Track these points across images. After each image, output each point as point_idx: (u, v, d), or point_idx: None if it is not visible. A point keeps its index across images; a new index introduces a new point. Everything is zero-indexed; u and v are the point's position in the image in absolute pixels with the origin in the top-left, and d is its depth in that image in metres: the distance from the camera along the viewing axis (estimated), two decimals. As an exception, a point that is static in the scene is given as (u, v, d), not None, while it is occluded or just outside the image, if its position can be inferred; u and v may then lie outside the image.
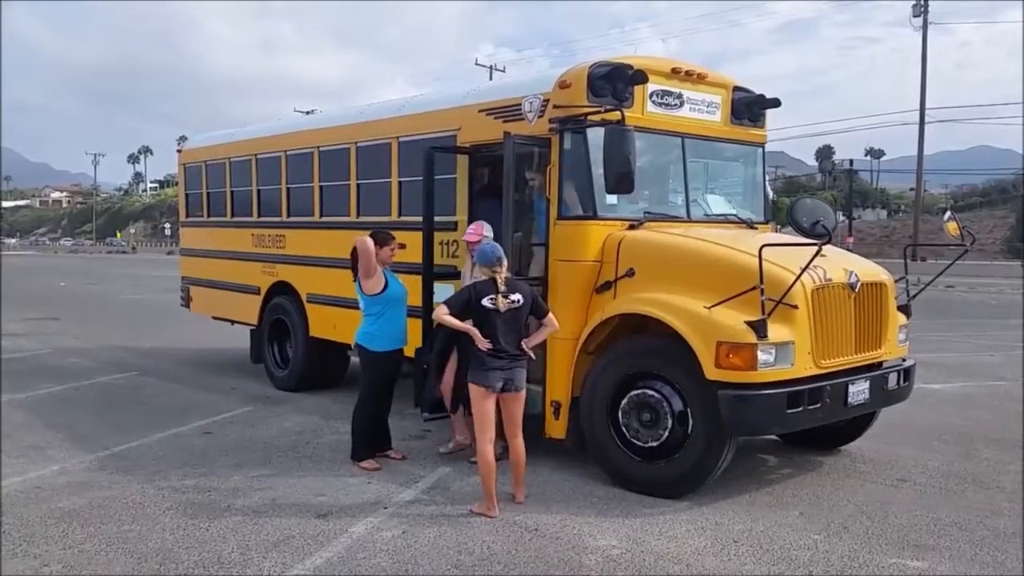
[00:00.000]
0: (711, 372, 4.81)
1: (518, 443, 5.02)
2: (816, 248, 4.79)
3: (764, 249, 4.78)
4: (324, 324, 7.98)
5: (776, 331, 4.81)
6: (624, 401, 5.29)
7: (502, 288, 4.80)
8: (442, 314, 4.84)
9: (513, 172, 5.61)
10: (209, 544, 4.35)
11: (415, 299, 6.16)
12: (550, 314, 5.06)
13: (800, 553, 4.35)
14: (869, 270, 5.58)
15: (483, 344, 4.76)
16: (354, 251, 5.75)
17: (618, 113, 5.27)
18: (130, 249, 77.08)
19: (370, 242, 5.70)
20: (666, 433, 5.12)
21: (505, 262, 4.90)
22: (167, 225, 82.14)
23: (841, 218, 43.79)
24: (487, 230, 5.69)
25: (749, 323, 4.75)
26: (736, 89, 6.46)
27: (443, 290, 6.16)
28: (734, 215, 6.47)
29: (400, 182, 7.13)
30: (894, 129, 50.65)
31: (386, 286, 5.78)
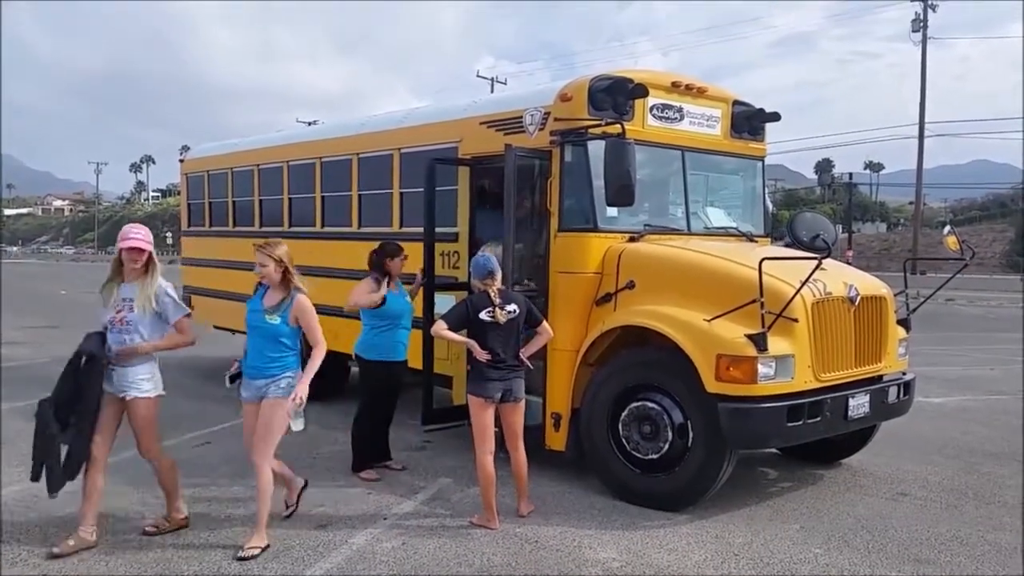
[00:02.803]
0: (711, 385, 4.82)
1: (519, 455, 5.03)
2: (816, 261, 4.81)
3: (764, 262, 4.80)
4: (325, 334, 7.95)
5: (776, 344, 4.81)
6: (624, 413, 5.29)
7: (497, 300, 4.81)
8: (440, 329, 4.84)
9: (514, 184, 5.64)
10: (208, 554, 4.35)
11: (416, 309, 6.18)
12: (544, 322, 5.08)
13: (800, 567, 4.34)
14: (869, 284, 5.59)
15: (482, 356, 4.77)
16: (371, 258, 5.91)
17: (619, 126, 5.30)
18: None
19: (361, 291, 5.79)
20: (666, 446, 5.12)
21: (498, 275, 4.91)
22: (168, 234, 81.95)
23: (841, 232, 43.86)
24: (150, 234, 4.61)
25: (749, 336, 4.76)
26: (736, 103, 6.50)
27: (444, 301, 6.17)
28: (734, 228, 6.49)
29: (401, 193, 7.17)
30: (893, 143, 50.93)
31: (383, 300, 5.80)
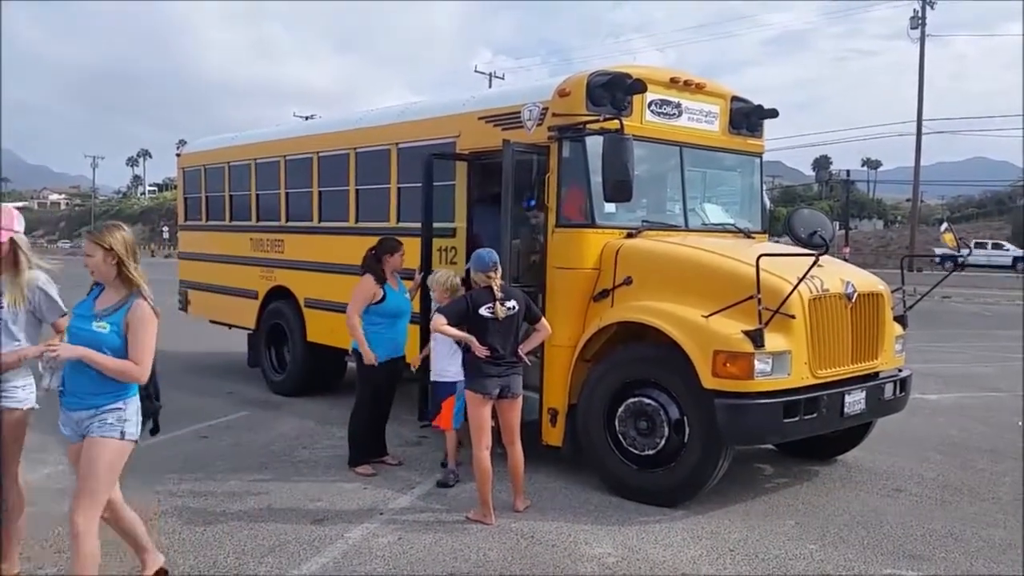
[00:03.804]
0: (708, 381, 4.82)
1: (516, 450, 5.03)
2: (813, 258, 4.81)
3: (761, 259, 4.80)
4: (321, 329, 7.98)
5: (773, 340, 4.82)
6: (621, 409, 5.29)
7: (499, 295, 4.81)
8: (440, 324, 4.83)
9: (512, 179, 5.63)
10: (204, 549, 4.35)
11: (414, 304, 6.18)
12: (543, 319, 5.07)
13: (795, 563, 4.35)
14: (866, 280, 5.60)
15: (481, 352, 4.77)
16: (366, 255, 5.89)
17: (617, 122, 5.29)
18: (148, 254, 71.63)
19: (362, 290, 5.74)
20: (662, 441, 5.13)
21: (500, 268, 4.91)
22: (165, 228, 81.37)
23: (838, 228, 43.92)
24: (19, 223, 3.99)
25: (746, 332, 4.76)
26: (734, 99, 6.50)
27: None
28: (732, 224, 6.49)
29: (399, 188, 7.16)
30: (891, 140, 50.94)
31: (384, 297, 5.79)
